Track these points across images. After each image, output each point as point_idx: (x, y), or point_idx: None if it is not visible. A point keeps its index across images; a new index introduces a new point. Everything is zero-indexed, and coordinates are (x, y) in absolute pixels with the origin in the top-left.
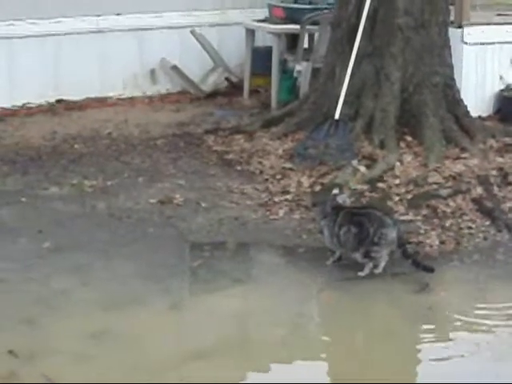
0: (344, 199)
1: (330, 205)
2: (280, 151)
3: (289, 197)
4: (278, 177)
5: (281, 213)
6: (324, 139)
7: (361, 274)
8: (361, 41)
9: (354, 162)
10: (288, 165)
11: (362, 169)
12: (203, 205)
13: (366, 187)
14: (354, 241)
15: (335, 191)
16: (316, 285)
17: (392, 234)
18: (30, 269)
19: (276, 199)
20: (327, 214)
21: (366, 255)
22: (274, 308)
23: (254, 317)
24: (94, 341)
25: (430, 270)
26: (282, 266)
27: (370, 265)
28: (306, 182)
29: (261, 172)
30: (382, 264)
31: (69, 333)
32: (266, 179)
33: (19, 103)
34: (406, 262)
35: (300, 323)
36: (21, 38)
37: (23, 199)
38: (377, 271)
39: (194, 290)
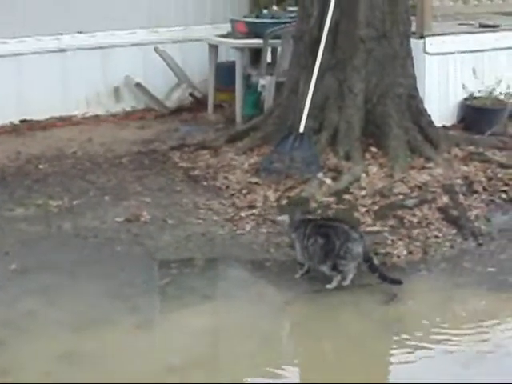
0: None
1: (298, 218)
2: (246, 166)
3: (255, 211)
4: (245, 191)
5: (248, 227)
6: (289, 153)
7: (329, 286)
8: (323, 53)
9: (320, 175)
10: (254, 179)
11: (328, 181)
12: (170, 222)
13: (332, 199)
14: (321, 252)
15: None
16: (285, 298)
17: (358, 248)
18: None
19: (243, 214)
20: (297, 227)
21: (334, 268)
22: (243, 322)
23: (225, 332)
24: (62, 361)
25: (398, 282)
26: (250, 281)
27: (338, 277)
28: (272, 195)
29: (227, 187)
30: (350, 276)
31: (37, 354)
32: (233, 194)
33: None
34: (372, 276)
35: (270, 337)
36: None
37: None
38: (345, 283)
39: (162, 308)
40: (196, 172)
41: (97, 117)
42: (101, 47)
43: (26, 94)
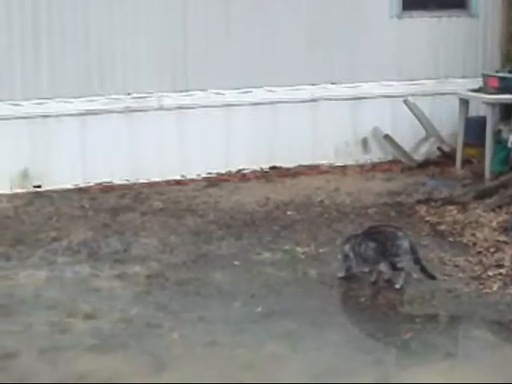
0: None
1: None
2: (494, 223)
3: (503, 271)
4: (492, 250)
5: (495, 287)
6: None
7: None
8: None
9: None
10: (502, 237)
11: None
12: (415, 276)
13: None
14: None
15: None
16: None
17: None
18: (242, 332)
19: (490, 273)
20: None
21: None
22: None
23: None
24: None
25: (433, 277)
26: (495, 343)
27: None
28: None
29: (474, 244)
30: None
31: None
32: (480, 252)
33: (234, 169)
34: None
35: None
36: (236, 105)
37: (237, 263)
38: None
39: (403, 363)
40: (442, 227)
41: (344, 167)
42: (351, 98)
43: (277, 141)
